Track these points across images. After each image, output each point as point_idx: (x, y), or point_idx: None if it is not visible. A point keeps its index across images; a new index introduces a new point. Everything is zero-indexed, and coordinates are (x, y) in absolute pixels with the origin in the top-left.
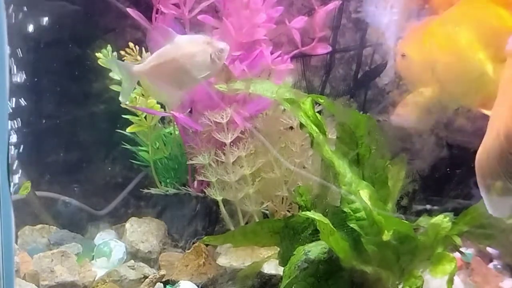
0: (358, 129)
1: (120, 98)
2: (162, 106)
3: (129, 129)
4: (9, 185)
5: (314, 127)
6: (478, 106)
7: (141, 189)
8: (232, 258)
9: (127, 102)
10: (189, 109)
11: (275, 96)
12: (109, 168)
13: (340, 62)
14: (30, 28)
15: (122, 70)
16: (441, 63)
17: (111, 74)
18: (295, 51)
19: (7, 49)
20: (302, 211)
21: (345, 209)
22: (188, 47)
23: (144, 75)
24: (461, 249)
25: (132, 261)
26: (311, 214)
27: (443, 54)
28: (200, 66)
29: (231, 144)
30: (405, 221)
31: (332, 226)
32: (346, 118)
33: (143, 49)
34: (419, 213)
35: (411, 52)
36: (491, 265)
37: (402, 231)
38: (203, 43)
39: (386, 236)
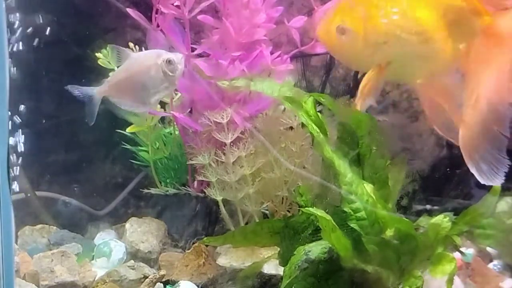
0: (359, 128)
1: (88, 121)
2: (162, 106)
3: (129, 129)
4: (9, 185)
5: (315, 127)
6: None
7: (141, 189)
8: (232, 258)
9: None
10: (189, 109)
11: (277, 95)
12: (109, 168)
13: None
14: (29, 27)
15: (84, 94)
16: (396, 38)
17: (111, 74)
18: (295, 51)
19: (7, 49)
20: (304, 209)
21: (345, 209)
22: (141, 63)
23: (107, 95)
24: (461, 249)
25: (132, 261)
26: (313, 210)
27: (397, 27)
28: (154, 80)
29: (231, 144)
30: (406, 219)
31: (334, 223)
32: (347, 117)
33: (143, 49)
34: (419, 213)
35: (354, 27)
36: (491, 265)
37: (403, 229)
38: (155, 58)
39: (389, 232)
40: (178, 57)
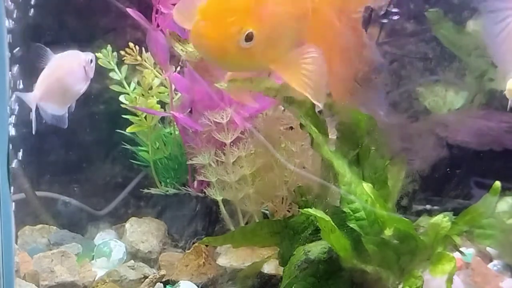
0: (359, 129)
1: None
2: (162, 106)
3: (129, 129)
4: (9, 185)
5: (313, 128)
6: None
7: (141, 189)
8: (232, 258)
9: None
10: (189, 109)
11: (276, 96)
12: (109, 168)
13: None
14: (29, 27)
15: (26, 100)
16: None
17: (111, 74)
18: None
19: (7, 49)
20: (302, 210)
21: (344, 209)
22: (67, 65)
23: (39, 100)
24: (461, 249)
25: (132, 261)
26: (312, 211)
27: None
28: (79, 79)
29: (231, 144)
30: (406, 219)
31: (333, 224)
32: (346, 118)
33: (143, 49)
34: (419, 213)
35: (259, 30)
36: (491, 265)
37: (402, 229)
38: (78, 59)
39: (388, 232)
40: (93, 56)
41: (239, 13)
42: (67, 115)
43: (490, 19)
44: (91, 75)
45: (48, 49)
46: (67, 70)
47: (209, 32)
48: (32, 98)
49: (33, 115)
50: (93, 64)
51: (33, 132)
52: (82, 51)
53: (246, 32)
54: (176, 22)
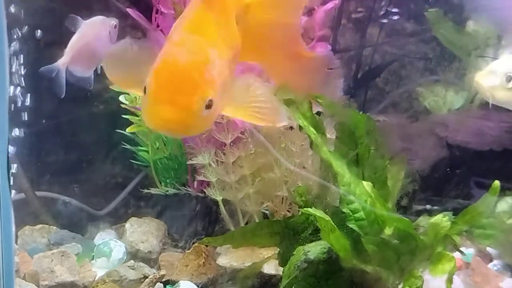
0: (358, 129)
1: (58, 93)
2: None
3: (129, 129)
4: (9, 185)
5: (311, 129)
6: None
7: (141, 189)
8: (232, 258)
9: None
10: None
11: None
12: (109, 168)
13: (340, 62)
14: (29, 27)
15: (49, 70)
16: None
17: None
18: None
19: (7, 49)
20: (302, 209)
21: (344, 210)
22: (94, 30)
23: (69, 65)
24: (461, 249)
25: (132, 261)
26: (312, 210)
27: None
28: (105, 43)
29: (231, 144)
30: (405, 218)
31: (332, 223)
32: (345, 118)
33: None
34: (419, 213)
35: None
36: (491, 265)
37: (402, 229)
38: (105, 23)
39: (388, 231)
40: (117, 21)
41: (197, 81)
42: (93, 76)
43: None
44: (115, 39)
45: (79, 17)
46: (95, 35)
47: (171, 112)
48: (61, 64)
49: (62, 79)
50: (116, 29)
51: (61, 97)
52: None
53: (207, 101)
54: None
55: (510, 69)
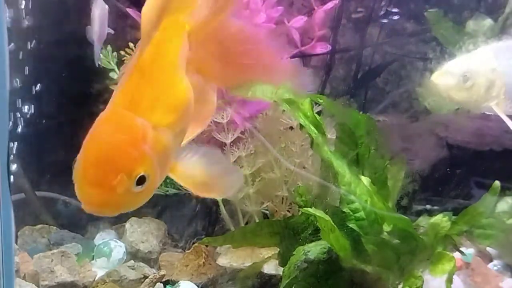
0: (358, 129)
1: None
2: None
3: None
4: (9, 185)
5: (313, 128)
6: None
7: None
8: (232, 258)
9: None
10: None
11: (275, 97)
12: None
13: (340, 62)
14: (30, 27)
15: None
16: None
17: (111, 74)
18: (295, 51)
19: (7, 49)
20: (302, 209)
21: (344, 209)
22: (104, 7)
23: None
24: (461, 249)
25: (132, 261)
26: (312, 210)
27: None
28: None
29: (231, 144)
30: (405, 217)
31: (332, 223)
32: (345, 118)
33: None
34: (419, 213)
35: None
36: (491, 265)
37: (402, 228)
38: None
39: (387, 228)
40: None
41: (123, 161)
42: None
43: None
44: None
45: None
46: (104, 9)
47: (98, 194)
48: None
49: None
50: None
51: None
52: (83, 51)
53: (137, 178)
54: None
55: (467, 69)
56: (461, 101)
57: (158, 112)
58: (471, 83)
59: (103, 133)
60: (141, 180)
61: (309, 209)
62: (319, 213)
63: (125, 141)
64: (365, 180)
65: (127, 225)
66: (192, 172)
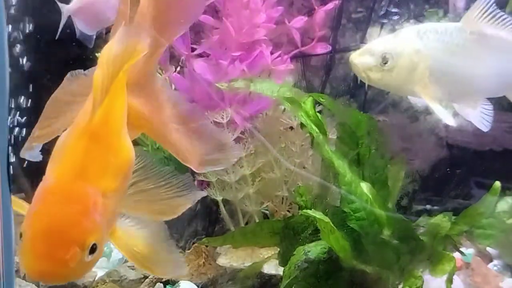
0: (359, 129)
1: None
2: None
3: None
4: (9, 185)
5: (314, 127)
6: None
7: None
8: (232, 258)
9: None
10: None
11: (276, 95)
12: None
13: (340, 62)
14: (31, 27)
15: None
16: None
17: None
18: (295, 51)
19: (7, 49)
20: (302, 211)
21: (345, 209)
22: None
23: (72, 14)
24: (461, 249)
25: None
26: (311, 212)
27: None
28: (112, 8)
29: None
30: (406, 219)
31: (332, 225)
32: (347, 118)
33: None
34: (419, 213)
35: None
36: (491, 265)
37: (402, 229)
38: None
39: (387, 231)
40: None
41: (74, 235)
42: (94, 37)
43: None
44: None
45: None
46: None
47: (47, 263)
48: (66, 10)
49: (61, 23)
50: None
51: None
52: (82, 52)
53: (90, 246)
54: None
55: (387, 50)
56: (381, 83)
57: (107, 177)
58: (391, 64)
59: (53, 203)
60: (93, 249)
61: (308, 211)
62: (318, 214)
63: (77, 212)
64: (364, 186)
65: None
66: (133, 242)
